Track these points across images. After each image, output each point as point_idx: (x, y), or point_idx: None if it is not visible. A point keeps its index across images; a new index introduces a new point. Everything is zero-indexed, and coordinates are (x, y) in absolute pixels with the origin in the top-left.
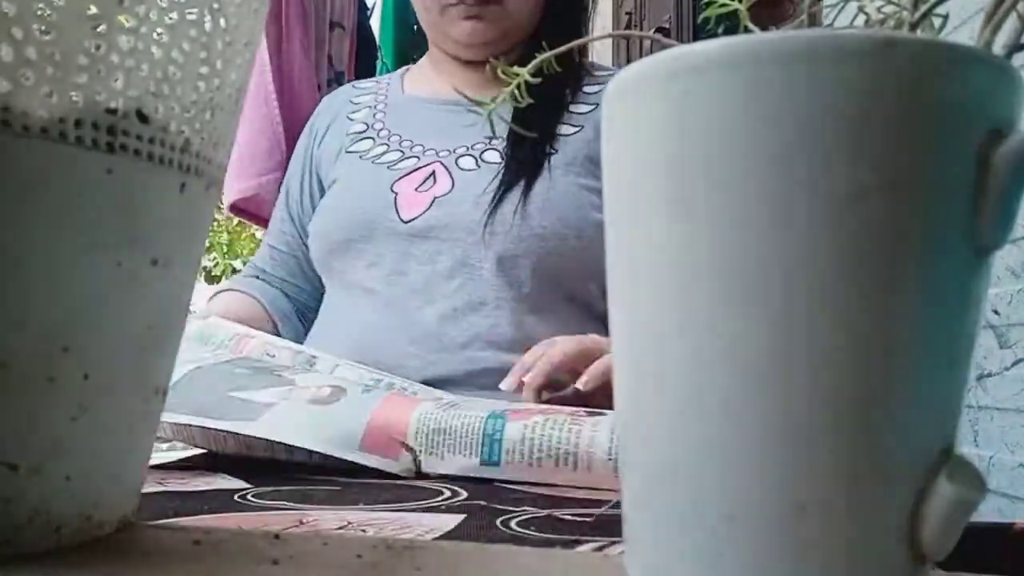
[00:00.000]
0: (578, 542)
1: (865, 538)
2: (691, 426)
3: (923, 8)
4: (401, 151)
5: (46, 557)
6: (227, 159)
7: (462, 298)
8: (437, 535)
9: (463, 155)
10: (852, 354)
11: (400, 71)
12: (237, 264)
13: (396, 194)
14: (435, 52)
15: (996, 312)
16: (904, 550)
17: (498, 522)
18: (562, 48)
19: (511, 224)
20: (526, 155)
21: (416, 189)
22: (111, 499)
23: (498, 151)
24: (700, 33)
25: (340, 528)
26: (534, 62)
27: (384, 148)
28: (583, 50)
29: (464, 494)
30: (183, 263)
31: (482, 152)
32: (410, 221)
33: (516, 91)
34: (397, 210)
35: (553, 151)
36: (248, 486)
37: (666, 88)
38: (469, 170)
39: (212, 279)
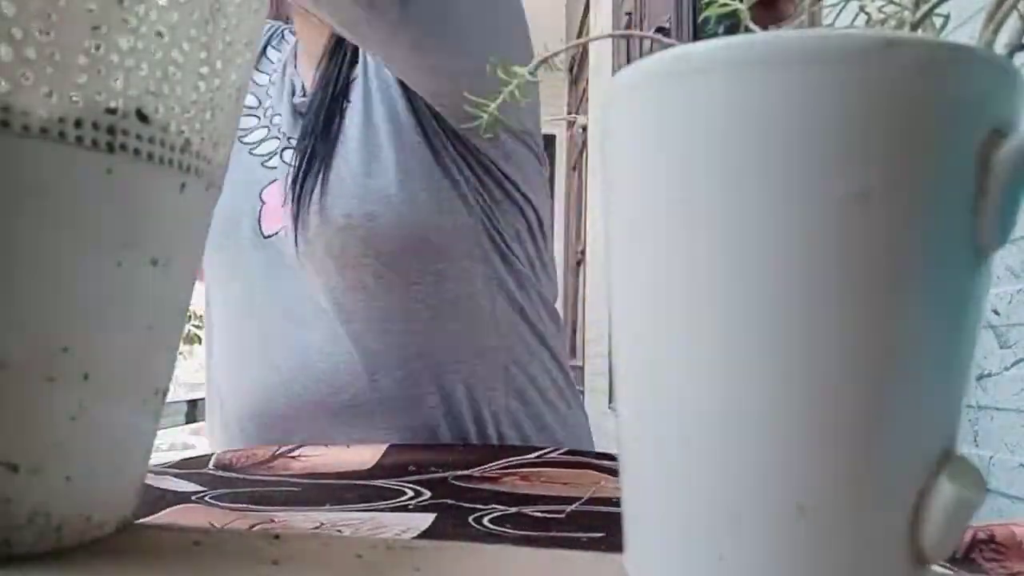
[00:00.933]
0: (559, 540)
1: (866, 538)
2: (691, 427)
3: (924, 8)
4: (277, 139)
5: (46, 557)
6: (227, 159)
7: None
8: (415, 534)
9: None
10: (852, 354)
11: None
12: None
13: (263, 204)
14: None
15: (996, 312)
16: (905, 550)
17: (470, 520)
18: (561, 48)
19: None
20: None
21: (283, 205)
22: (111, 499)
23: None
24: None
25: (315, 528)
26: (534, 62)
27: (264, 133)
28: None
29: (428, 493)
30: (183, 263)
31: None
32: (269, 236)
33: (515, 91)
34: (259, 221)
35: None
36: (202, 488)
37: (666, 88)
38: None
39: None
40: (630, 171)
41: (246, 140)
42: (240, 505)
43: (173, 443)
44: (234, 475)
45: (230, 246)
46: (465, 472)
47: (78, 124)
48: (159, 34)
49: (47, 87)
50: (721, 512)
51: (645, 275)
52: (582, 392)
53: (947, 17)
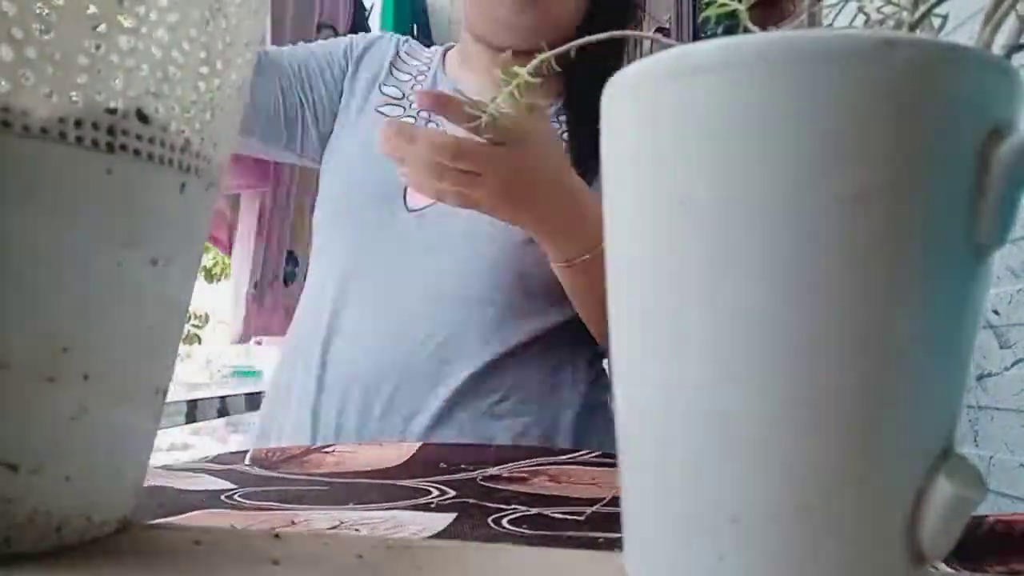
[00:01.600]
0: (575, 540)
1: (865, 538)
2: (692, 427)
3: (923, 8)
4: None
5: (46, 557)
6: (227, 159)
7: (467, 290)
8: (430, 534)
9: None
10: (852, 354)
11: (443, 47)
12: None
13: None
14: (468, 42)
15: (996, 312)
16: (904, 550)
17: (490, 520)
18: (561, 48)
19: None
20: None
21: None
22: (111, 499)
23: None
24: (700, 33)
25: (333, 528)
26: (533, 62)
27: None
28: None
29: (452, 492)
30: (183, 263)
31: None
32: (416, 210)
33: (515, 90)
34: (405, 197)
35: None
36: (233, 486)
37: (666, 88)
38: None
39: (212, 279)
40: (629, 171)
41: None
42: (266, 503)
43: (173, 443)
44: (266, 472)
45: (375, 220)
46: (495, 471)
47: (78, 124)
48: (159, 34)
49: (47, 87)
50: (721, 512)
51: (644, 274)
52: None
53: (945, 17)
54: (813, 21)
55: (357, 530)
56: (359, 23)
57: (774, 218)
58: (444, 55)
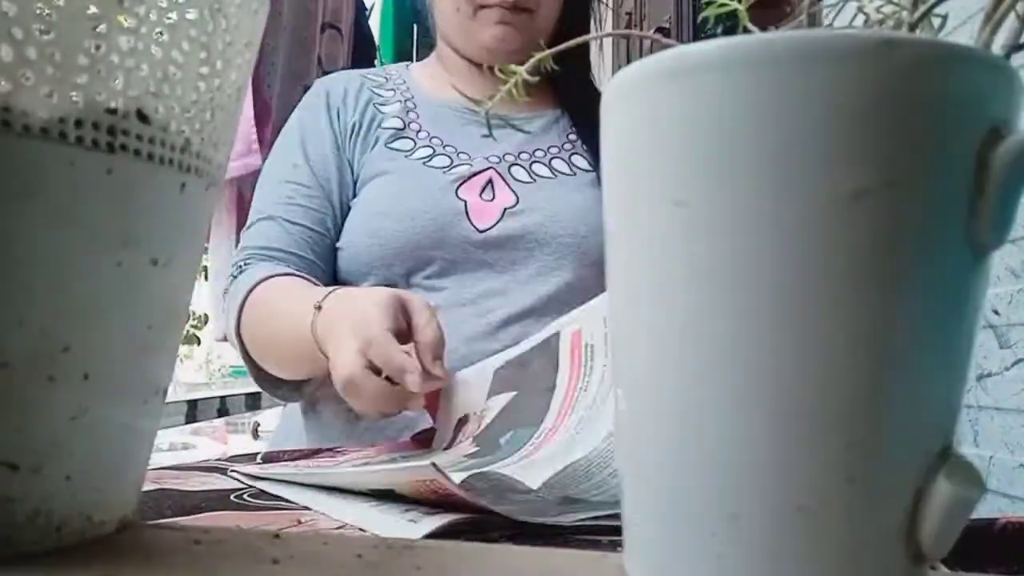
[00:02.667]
0: (575, 540)
1: (864, 537)
2: (691, 427)
3: (922, 8)
4: (447, 156)
5: (46, 557)
6: (227, 159)
7: (541, 301)
8: (432, 533)
9: (512, 164)
10: (851, 354)
11: (400, 66)
12: None
13: (465, 202)
14: (451, 56)
15: (996, 312)
16: (903, 549)
17: (493, 520)
18: (562, 46)
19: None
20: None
21: (480, 196)
22: (111, 499)
23: (554, 162)
24: (700, 33)
25: (338, 528)
26: (531, 60)
27: (429, 152)
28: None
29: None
30: (183, 263)
31: (550, 160)
32: (485, 231)
33: (513, 90)
34: (470, 219)
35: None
36: (243, 486)
37: (666, 88)
38: (524, 181)
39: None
40: (629, 170)
41: (412, 158)
42: (274, 503)
43: (173, 443)
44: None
45: (440, 244)
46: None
47: (78, 124)
48: (159, 34)
49: (47, 87)
50: (720, 511)
51: (643, 274)
52: None
53: (945, 17)
54: (813, 21)
55: (362, 530)
56: (360, 23)
57: (774, 218)
58: (414, 74)
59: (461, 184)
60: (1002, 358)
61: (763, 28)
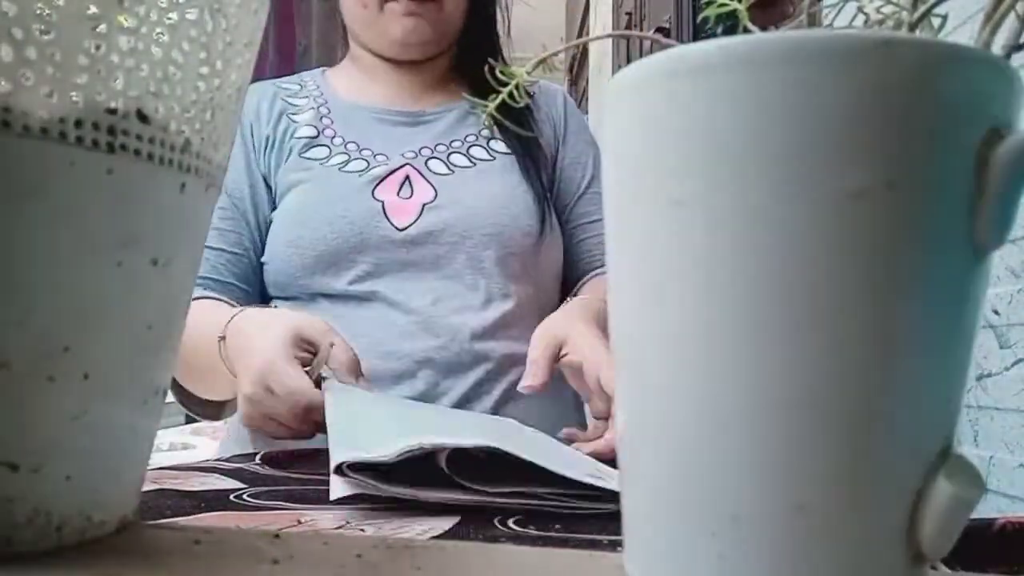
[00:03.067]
0: (580, 540)
1: (865, 537)
2: (692, 428)
3: (922, 8)
4: (363, 160)
5: (46, 557)
6: (227, 159)
7: (476, 296)
8: (435, 534)
9: (430, 158)
10: (851, 353)
11: (316, 71)
12: None
13: (382, 202)
14: (364, 56)
15: (996, 312)
16: (903, 549)
17: (495, 521)
18: (563, 47)
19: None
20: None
21: (398, 195)
22: (111, 499)
23: (459, 155)
24: (700, 33)
25: (339, 528)
26: (533, 60)
27: (344, 158)
28: (585, 50)
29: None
30: (183, 263)
31: (447, 155)
32: (405, 229)
33: (514, 91)
34: (388, 218)
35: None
36: (243, 486)
37: (666, 88)
38: (442, 174)
39: None
40: (629, 170)
41: (328, 165)
42: (274, 503)
43: (173, 443)
44: (276, 472)
45: (360, 248)
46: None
47: (78, 124)
48: (159, 34)
49: (47, 87)
50: (720, 511)
51: (643, 275)
52: None
53: (945, 17)
54: (813, 21)
55: (362, 530)
56: None
57: (772, 217)
58: (328, 78)
59: (377, 184)
60: (1002, 358)
61: (763, 28)
